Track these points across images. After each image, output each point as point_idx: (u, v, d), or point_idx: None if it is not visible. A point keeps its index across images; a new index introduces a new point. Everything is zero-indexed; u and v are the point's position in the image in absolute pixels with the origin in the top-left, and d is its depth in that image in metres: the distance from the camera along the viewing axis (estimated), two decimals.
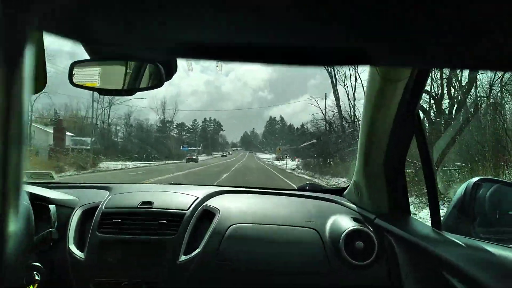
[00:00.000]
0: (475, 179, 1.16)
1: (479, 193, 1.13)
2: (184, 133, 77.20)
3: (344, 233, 1.29)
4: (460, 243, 0.95)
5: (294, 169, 22.69)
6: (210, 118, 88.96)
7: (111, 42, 0.28)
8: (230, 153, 73.76)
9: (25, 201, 1.11)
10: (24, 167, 0.27)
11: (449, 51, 0.25)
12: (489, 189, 1.13)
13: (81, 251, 1.38)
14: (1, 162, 0.25)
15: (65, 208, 1.47)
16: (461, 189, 1.17)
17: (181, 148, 51.81)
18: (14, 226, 0.26)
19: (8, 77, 0.24)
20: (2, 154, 0.25)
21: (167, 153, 38.71)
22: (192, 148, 61.29)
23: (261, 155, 61.98)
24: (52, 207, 1.41)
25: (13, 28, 0.23)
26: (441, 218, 1.13)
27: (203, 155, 59.58)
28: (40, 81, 0.81)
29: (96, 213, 1.46)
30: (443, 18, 0.21)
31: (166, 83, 1.03)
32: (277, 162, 34.65)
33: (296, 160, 29.68)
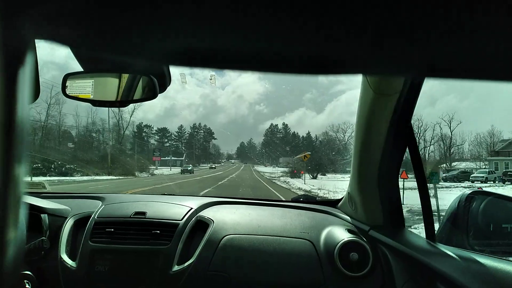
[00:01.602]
0: (469, 191, 1.16)
1: (472, 206, 1.13)
2: (166, 140, 68.53)
3: (338, 245, 1.29)
4: (454, 255, 0.95)
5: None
6: (200, 124, 79.45)
7: (104, 51, 0.28)
8: (222, 164, 67.05)
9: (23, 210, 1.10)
10: (24, 178, 0.27)
11: (443, 61, 0.25)
12: (482, 202, 1.14)
13: (73, 260, 1.37)
14: (2, 171, 0.24)
15: (57, 218, 1.47)
16: (454, 201, 1.17)
17: (153, 155, 43.69)
18: (14, 234, 0.26)
19: (8, 89, 0.24)
20: (4, 164, 0.24)
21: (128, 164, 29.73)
22: (173, 158, 54.40)
23: (260, 168, 52.07)
24: (44, 216, 1.41)
25: (12, 37, 0.23)
26: (435, 230, 1.13)
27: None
28: (34, 91, 0.81)
29: (88, 223, 1.45)
30: (436, 28, 0.21)
31: (161, 95, 1.04)
32: (297, 183, 19.22)
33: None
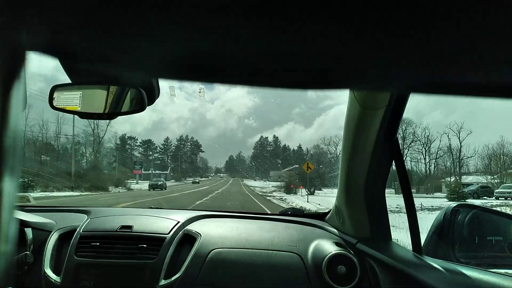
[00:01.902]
0: (453, 204, 1.18)
1: (457, 219, 1.15)
2: (151, 153, 64.75)
3: (326, 258, 1.29)
4: (441, 267, 0.96)
5: None
6: (187, 136, 75.33)
7: (92, 63, 0.28)
8: (209, 178, 63.53)
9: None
10: (16, 191, 0.27)
11: (428, 77, 0.25)
12: (467, 215, 1.16)
13: (57, 275, 1.34)
14: None
15: (41, 232, 1.44)
16: (440, 214, 1.19)
17: (134, 168, 40.68)
18: (4, 248, 0.25)
19: (1, 100, 0.24)
20: None
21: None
22: (157, 171, 51.93)
23: (250, 182, 48.00)
24: (28, 230, 1.38)
25: (7, 47, 0.23)
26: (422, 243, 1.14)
27: (172, 181, 48.26)
28: (22, 100, 0.80)
29: (73, 237, 1.43)
30: (421, 45, 0.22)
31: (149, 108, 1.04)
32: (296, 200, 16.45)
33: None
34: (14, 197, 0.26)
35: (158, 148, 68.96)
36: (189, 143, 76.87)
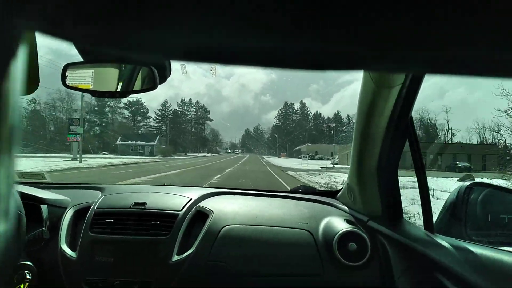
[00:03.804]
0: (467, 183, 1.17)
1: (471, 197, 1.14)
2: (140, 118, 49.77)
3: (337, 235, 1.30)
4: (452, 245, 0.96)
5: None
6: (191, 100, 60.97)
7: (104, 44, 0.28)
8: (219, 154, 49.65)
9: (16, 201, 1.11)
10: (15, 168, 0.27)
11: (443, 57, 0.25)
12: (480, 193, 1.15)
13: (73, 250, 1.38)
14: None
15: (57, 208, 1.47)
16: (453, 192, 1.18)
17: (68, 132, 24.76)
18: (3, 226, 0.26)
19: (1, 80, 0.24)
20: None
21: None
22: (140, 142, 39.04)
23: (275, 160, 35.05)
24: (43, 207, 1.41)
25: (4, 29, 0.23)
26: (434, 221, 1.14)
27: (158, 156, 35.15)
28: (33, 82, 0.81)
29: (88, 213, 1.46)
30: (435, 24, 0.21)
31: (165, 85, 1.03)
32: None
33: None
34: (13, 175, 0.27)
35: (155, 114, 54.12)
36: (193, 109, 61.50)
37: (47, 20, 0.23)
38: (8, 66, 0.24)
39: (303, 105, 64.61)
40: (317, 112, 63.74)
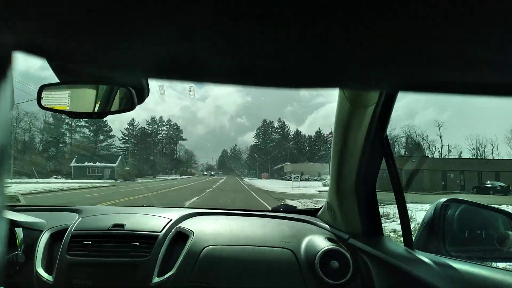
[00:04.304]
0: (443, 199, 1.19)
1: (448, 213, 1.16)
2: (102, 137, 44.36)
3: (319, 253, 1.30)
4: (432, 261, 0.97)
5: None
6: (162, 117, 56.40)
7: (82, 63, 0.28)
8: (191, 177, 44.46)
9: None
10: (5, 189, 0.26)
11: (416, 76, 0.26)
12: (457, 209, 1.17)
13: (50, 274, 1.34)
14: None
15: (32, 231, 1.44)
16: (430, 209, 1.19)
17: None
18: None
19: None
20: None
21: None
22: (98, 164, 34.47)
23: (256, 182, 31.16)
24: (18, 230, 1.37)
25: None
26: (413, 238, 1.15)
27: (118, 180, 31.16)
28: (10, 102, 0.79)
29: (65, 236, 1.42)
30: (408, 43, 0.22)
31: (139, 107, 1.03)
32: None
33: None
34: (2, 198, 0.26)
35: (121, 133, 49.08)
36: (165, 127, 55.79)
37: (25, 39, 0.23)
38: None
39: (282, 123, 61.00)
40: (297, 130, 60.35)
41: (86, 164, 35.10)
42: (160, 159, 50.63)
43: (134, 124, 50.56)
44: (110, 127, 45.63)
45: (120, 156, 39.61)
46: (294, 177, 29.75)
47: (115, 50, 0.24)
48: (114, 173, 34.96)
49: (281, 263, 1.34)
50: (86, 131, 44.63)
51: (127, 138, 49.19)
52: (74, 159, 35.77)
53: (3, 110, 0.25)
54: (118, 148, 47.67)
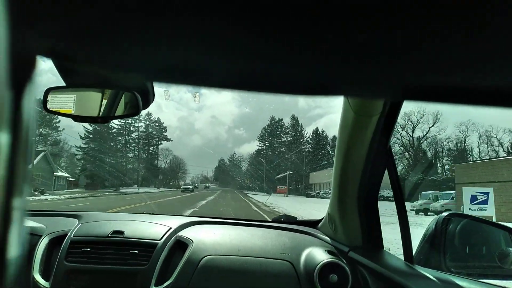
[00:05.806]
0: (445, 214, 1.19)
1: (449, 228, 1.16)
2: (56, 132, 33.74)
3: (318, 266, 1.28)
4: (432, 277, 0.96)
5: None
6: (149, 112, 42.33)
7: (88, 65, 0.28)
8: (181, 188, 34.01)
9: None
10: (27, 190, 0.26)
11: (421, 84, 0.26)
12: (458, 224, 1.16)
13: (47, 280, 1.33)
14: (7, 183, 0.24)
15: (31, 236, 1.42)
16: (431, 223, 1.19)
17: None
18: (15, 252, 0.25)
19: (15, 117, 0.23)
20: (9, 174, 0.24)
21: None
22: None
23: (277, 201, 19.87)
24: None
25: (21, 51, 0.23)
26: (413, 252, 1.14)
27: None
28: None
29: (64, 241, 1.41)
30: (414, 51, 0.22)
31: (135, 118, 1.03)
32: None
33: None
34: (25, 201, 0.26)
35: (83, 129, 36.93)
36: (142, 123, 41.68)
37: (30, 41, 0.23)
38: (21, 93, 0.24)
39: (296, 120, 47.42)
40: (317, 129, 46.39)
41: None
42: (134, 165, 39.83)
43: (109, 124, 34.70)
44: (58, 120, 34.19)
45: (44, 153, 27.37)
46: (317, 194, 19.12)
47: (120, 54, 0.24)
48: (68, 186, 24.68)
49: (279, 275, 1.33)
50: (46, 128, 33.08)
51: (97, 136, 37.75)
52: None
53: (28, 115, 0.25)
54: (79, 149, 37.21)
